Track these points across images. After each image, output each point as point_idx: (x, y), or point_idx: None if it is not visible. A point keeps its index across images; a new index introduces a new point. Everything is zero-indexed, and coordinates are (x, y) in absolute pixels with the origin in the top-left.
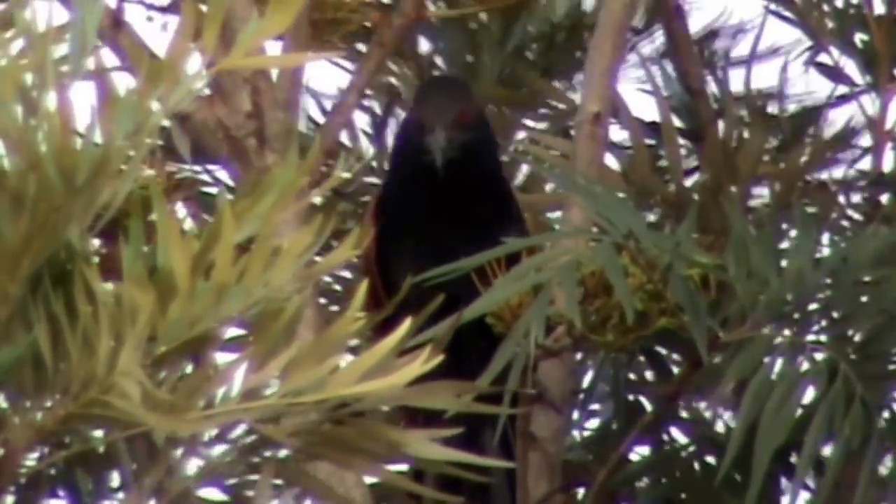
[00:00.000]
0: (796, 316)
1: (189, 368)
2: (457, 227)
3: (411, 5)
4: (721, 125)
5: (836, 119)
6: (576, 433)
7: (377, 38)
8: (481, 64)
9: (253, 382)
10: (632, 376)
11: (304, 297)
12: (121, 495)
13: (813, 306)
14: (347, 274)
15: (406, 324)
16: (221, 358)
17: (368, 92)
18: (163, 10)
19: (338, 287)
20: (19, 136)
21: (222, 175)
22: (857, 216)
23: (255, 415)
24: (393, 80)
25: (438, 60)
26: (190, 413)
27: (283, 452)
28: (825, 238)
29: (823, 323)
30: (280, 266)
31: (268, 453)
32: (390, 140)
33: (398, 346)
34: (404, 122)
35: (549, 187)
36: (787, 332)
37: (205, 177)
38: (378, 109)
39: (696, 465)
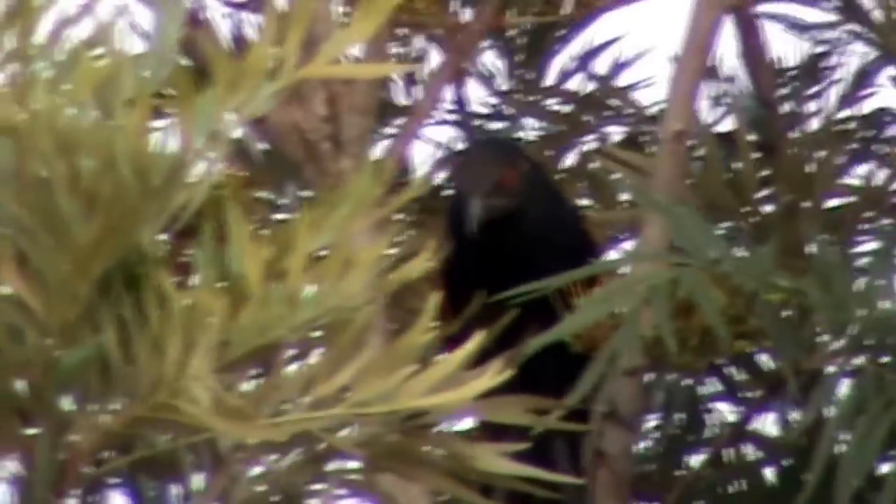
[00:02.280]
0: (876, 343)
1: (258, 375)
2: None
3: (489, 12)
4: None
5: None
6: (643, 445)
7: (454, 44)
8: None
9: (322, 391)
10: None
11: (375, 307)
12: (184, 502)
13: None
14: None
15: (477, 337)
16: (291, 366)
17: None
18: (239, 6)
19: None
20: (95, 138)
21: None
22: None
23: (323, 424)
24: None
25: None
26: (258, 420)
27: (349, 463)
28: None
29: None
30: (353, 275)
31: (334, 463)
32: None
33: (468, 359)
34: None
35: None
36: (866, 360)
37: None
38: None
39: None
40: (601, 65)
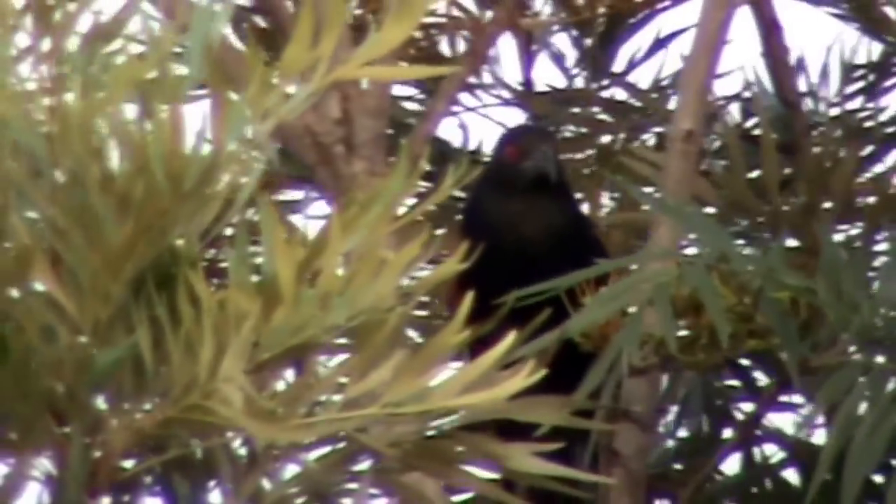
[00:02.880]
0: (887, 341)
1: (292, 376)
2: (535, 250)
3: (505, 14)
4: (816, 139)
5: None
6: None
7: (470, 45)
8: None
9: (354, 392)
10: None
11: (407, 309)
12: (218, 501)
13: None
14: None
15: (509, 338)
16: (324, 367)
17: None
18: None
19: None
20: (130, 140)
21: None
22: None
23: (356, 424)
24: None
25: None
26: (291, 421)
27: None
28: None
29: None
30: (385, 277)
31: (366, 463)
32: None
33: (500, 360)
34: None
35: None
36: (877, 357)
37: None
38: None
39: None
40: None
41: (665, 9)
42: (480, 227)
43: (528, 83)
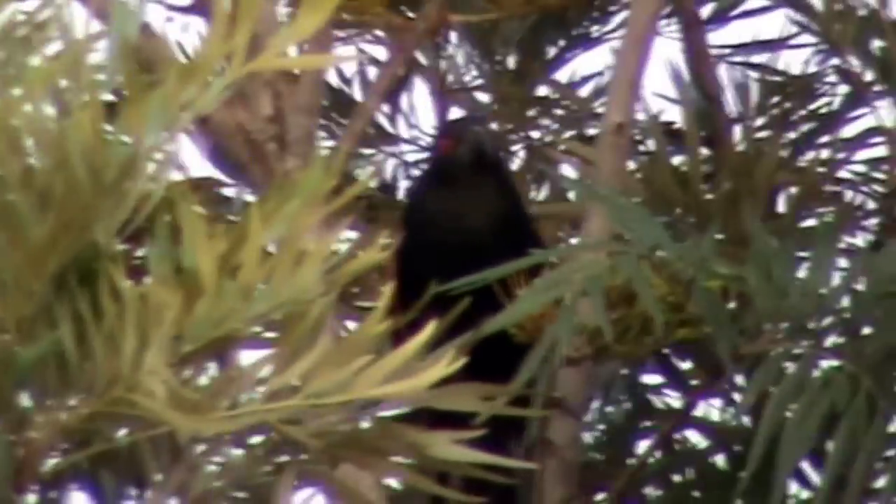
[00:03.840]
0: (815, 328)
1: (214, 369)
2: (478, 240)
3: (435, 11)
4: (737, 132)
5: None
6: (587, 435)
7: (399, 43)
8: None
9: (277, 384)
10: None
11: (329, 299)
12: (143, 495)
13: (831, 319)
14: None
15: (429, 327)
16: (246, 359)
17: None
18: (183, 10)
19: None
20: (49, 136)
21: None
22: (873, 226)
23: (279, 416)
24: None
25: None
26: (214, 413)
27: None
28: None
29: (842, 338)
30: (306, 268)
31: (290, 454)
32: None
33: (421, 350)
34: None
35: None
36: (805, 344)
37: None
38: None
39: (709, 467)
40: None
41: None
42: (421, 219)
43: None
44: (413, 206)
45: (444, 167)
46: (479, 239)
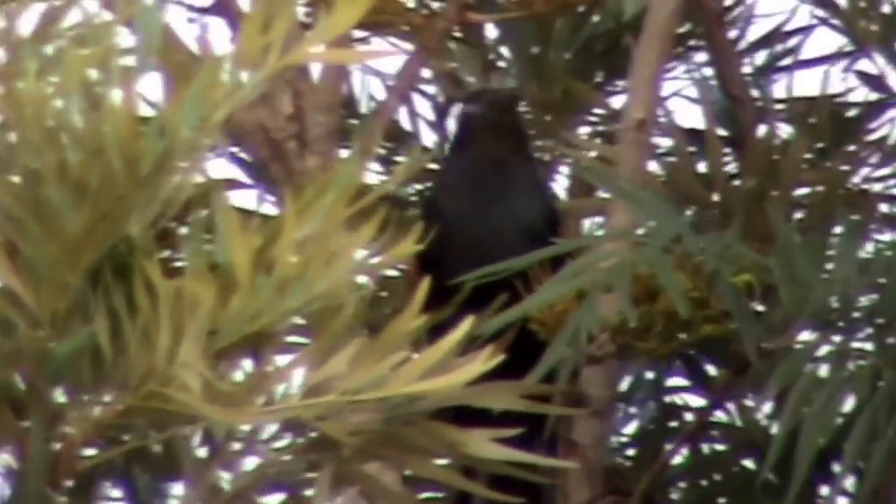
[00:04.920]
0: (841, 323)
1: (249, 364)
2: (503, 227)
3: (454, 9)
4: (763, 131)
5: (879, 126)
6: (612, 437)
7: (420, 41)
8: (547, 57)
9: (313, 379)
10: (671, 381)
11: (364, 294)
12: (179, 492)
13: (857, 314)
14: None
15: (466, 323)
16: (283, 355)
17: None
18: (203, 10)
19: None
20: (83, 129)
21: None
22: None
23: (315, 412)
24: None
25: (504, 50)
26: (249, 408)
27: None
28: (869, 245)
29: (868, 330)
30: (341, 262)
31: (327, 452)
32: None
33: (458, 345)
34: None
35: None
36: (831, 339)
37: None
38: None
39: (735, 470)
40: None
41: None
42: (445, 214)
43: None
44: (436, 199)
45: (465, 133)
46: (503, 242)
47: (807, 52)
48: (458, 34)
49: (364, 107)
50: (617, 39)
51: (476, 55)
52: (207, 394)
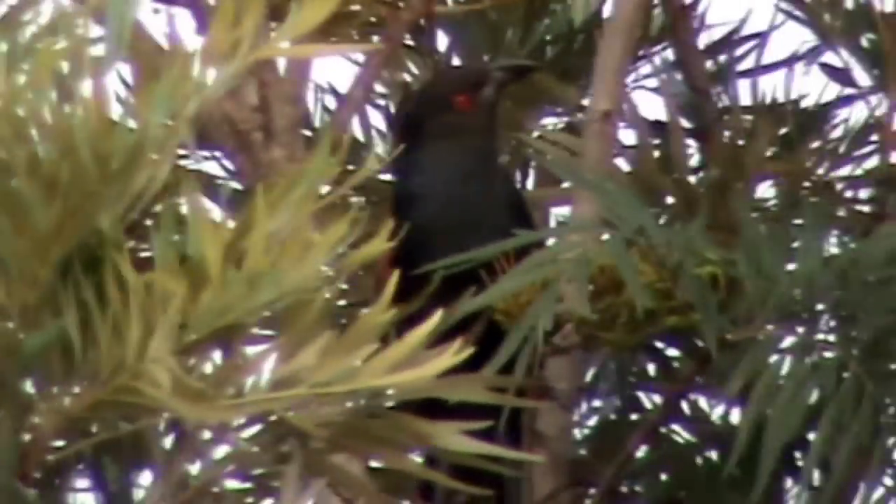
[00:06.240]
0: (805, 315)
1: (219, 358)
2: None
3: (420, 1)
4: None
5: (843, 119)
6: (576, 430)
7: (385, 32)
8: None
9: (282, 372)
10: (634, 372)
11: (334, 289)
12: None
13: (821, 306)
14: None
15: (435, 316)
16: (251, 348)
17: (383, 90)
18: (169, 1)
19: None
20: (54, 123)
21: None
22: (862, 215)
23: (284, 405)
24: (408, 76)
25: (455, 58)
26: (219, 401)
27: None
28: (832, 237)
29: (832, 322)
30: (312, 258)
31: (295, 444)
32: None
33: (427, 339)
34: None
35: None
36: (795, 331)
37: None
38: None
39: (699, 463)
40: None
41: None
42: (417, 205)
43: None
44: (409, 189)
45: (453, 129)
46: (474, 228)
47: (771, 50)
48: (410, 43)
49: (318, 121)
50: (568, 45)
51: (428, 64)
52: (177, 388)
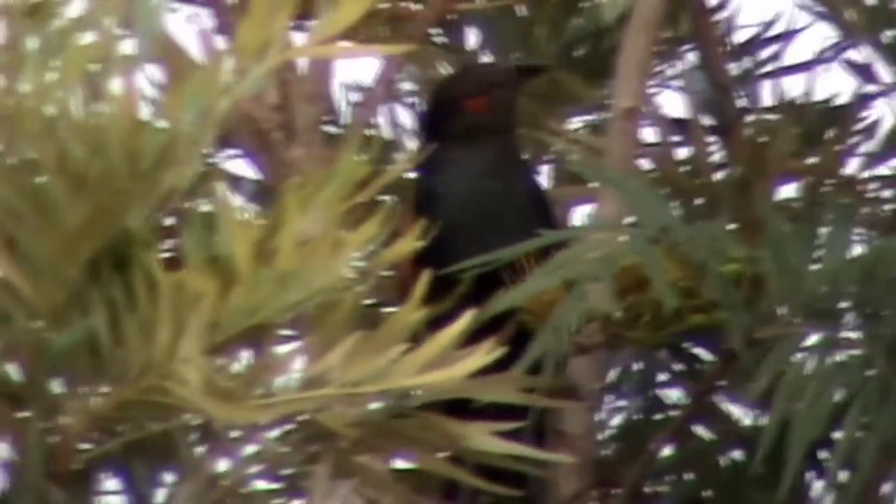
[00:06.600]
0: (830, 313)
1: (248, 357)
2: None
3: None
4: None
5: (866, 116)
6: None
7: (406, 30)
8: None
9: (312, 372)
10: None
11: (364, 288)
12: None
13: (846, 303)
14: None
15: (466, 316)
16: (280, 346)
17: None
18: (190, 1)
19: None
20: (83, 121)
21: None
22: (887, 213)
23: (314, 405)
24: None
25: (485, 55)
26: (248, 401)
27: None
28: (857, 235)
29: (857, 320)
30: (342, 256)
31: (325, 444)
32: None
33: (458, 339)
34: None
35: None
36: (820, 328)
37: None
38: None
39: (723, 463)
40: None
41: None
42: (438, 204)
43: None
44: (430, 187)
45: (470, 130)
46: (498, 226)
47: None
48: (439, 40)
49: (344, 118)
50: (597, 43)
51: (458, 61)
52: (207, 388)
